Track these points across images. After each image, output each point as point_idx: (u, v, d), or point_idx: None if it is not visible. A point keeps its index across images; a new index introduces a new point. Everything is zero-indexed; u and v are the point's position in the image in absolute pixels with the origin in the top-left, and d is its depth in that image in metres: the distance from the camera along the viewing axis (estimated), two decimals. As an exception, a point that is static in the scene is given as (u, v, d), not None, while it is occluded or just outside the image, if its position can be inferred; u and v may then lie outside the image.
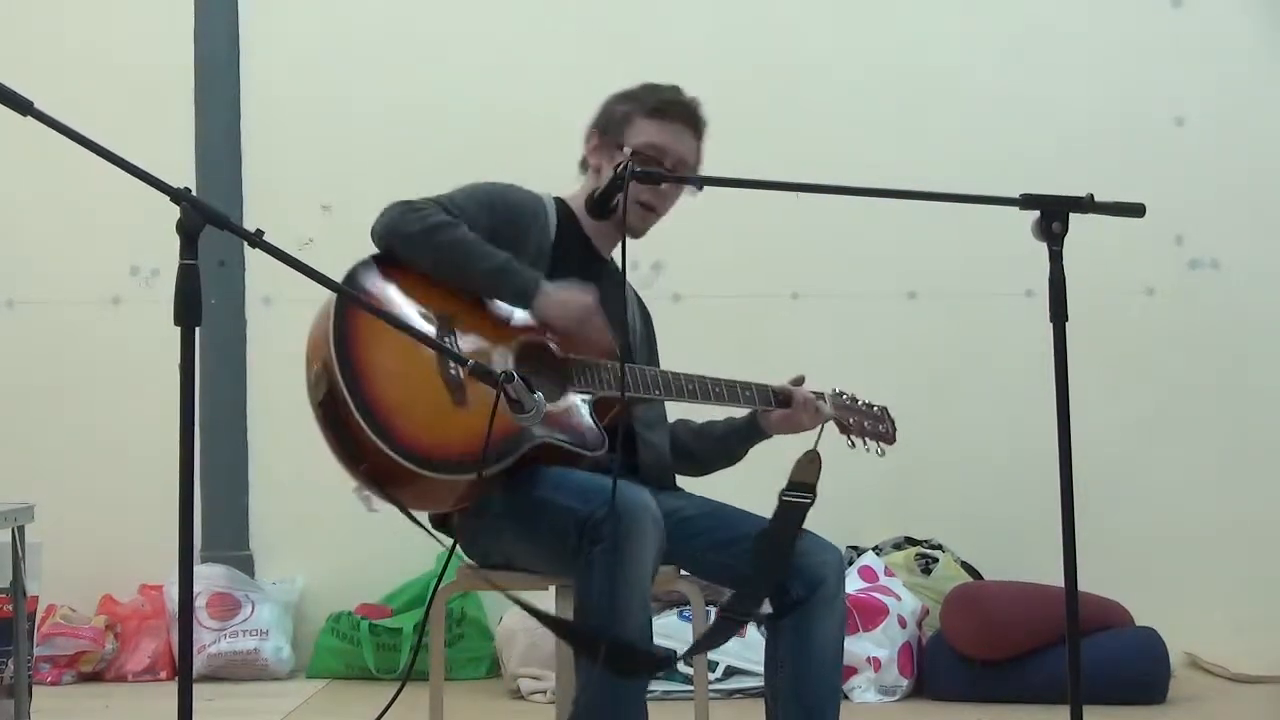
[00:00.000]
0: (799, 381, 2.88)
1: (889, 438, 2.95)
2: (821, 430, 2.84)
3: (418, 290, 2.61)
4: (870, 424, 2.94)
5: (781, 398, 2.84)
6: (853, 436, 2.92)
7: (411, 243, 2.62)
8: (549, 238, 2.81)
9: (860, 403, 2.95)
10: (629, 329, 2.89)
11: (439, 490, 2.52)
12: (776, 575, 2.64)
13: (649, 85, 2.86)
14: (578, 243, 2.85)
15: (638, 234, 2.81)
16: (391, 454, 2.43)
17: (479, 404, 2.36)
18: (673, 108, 2.83)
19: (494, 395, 2.26)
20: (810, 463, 2.75)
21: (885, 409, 2.98)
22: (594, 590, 2.40)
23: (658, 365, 2.98)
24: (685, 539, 2.77)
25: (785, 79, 4.93)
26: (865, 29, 5.12)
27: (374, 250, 2.67)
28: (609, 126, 2.84)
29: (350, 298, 2.45)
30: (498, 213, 2.74)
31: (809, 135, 4.74)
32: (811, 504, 2.71)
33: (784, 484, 2.74)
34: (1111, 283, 4.86)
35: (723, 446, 2.97)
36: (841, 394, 2.93)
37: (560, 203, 2.90)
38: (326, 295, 2.33)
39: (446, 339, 2.58)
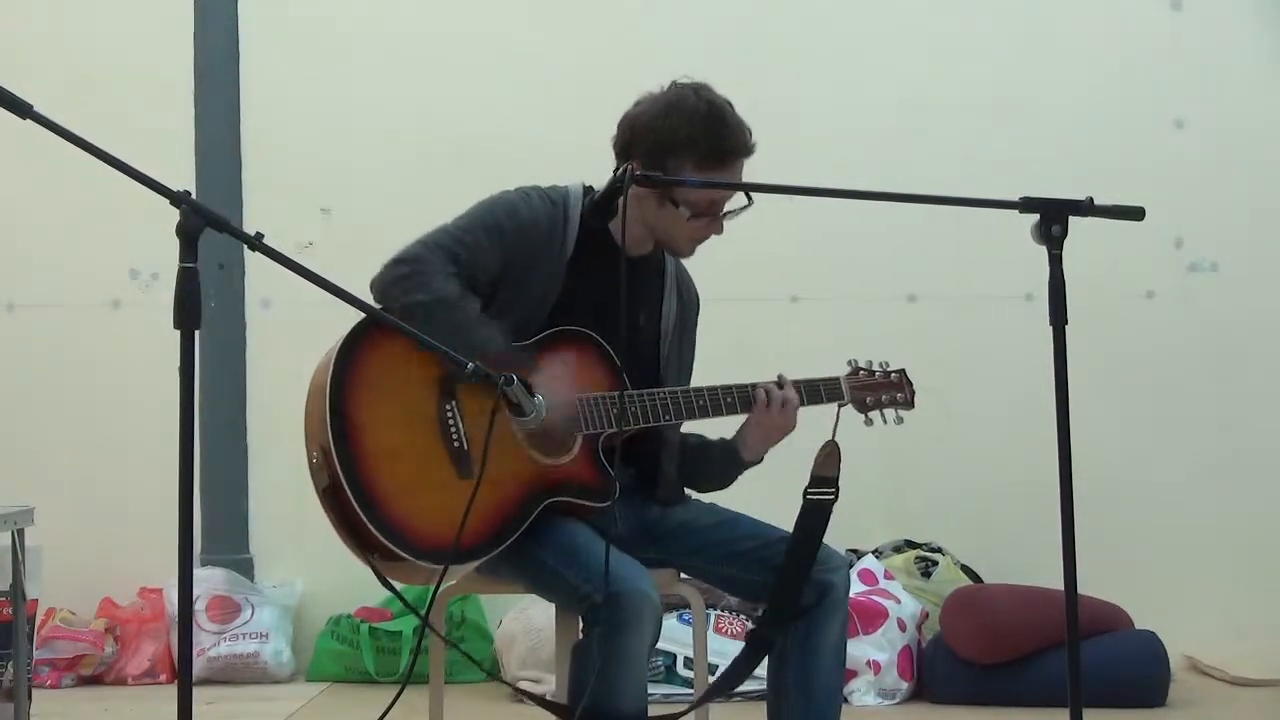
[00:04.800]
0: (780, 384, 2.78)
1: (907, 403, 2.86)
2: (839, 417, 2.78)
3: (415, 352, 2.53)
4: (888, 395, 2.85)
5: (748, 398, 2.75)
6: (869, 414, 2.84)
7: (402, 312, 2.55)
8: (569, 248, 2.72)
9: (877, 374, 2.86)
10: (662, 333, 2.85)
11: (453, 571, 2.55)
12: (804, 582, 2.64)
13: (706, 126, 2.66)
14: (604, 244, 2.71)
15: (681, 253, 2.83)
16: (402, 553, 2.46)
17: (485, 473, 2.37)
18: (738, 155, 2.70)
19: (501, 459, 2.33)
20: (829, 455, 2.72)
21: (903, 372, 2.88)
22: (589, 672, 2.42)
23: (691, 364, 2.94)
24: (696, 551, 2.78)
25: (783, 81, 4.93)
26: (863, 31, 5.12)
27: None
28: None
29: (355, 303, 2.42)
30: (507, 236, 2.68)
31: (807, 138, 4.74)
32: (835, 499, 2.69)
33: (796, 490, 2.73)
34: (1111, 286, 4.86)
35: (714, 470, 2.89)
36: (858, 370, 2.85)
37: (590, 195, 2.76)
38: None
39: (448, 405, 2.56)
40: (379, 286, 2.62)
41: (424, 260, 2.60)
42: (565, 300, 2.70)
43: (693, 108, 2.67)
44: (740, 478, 2.90)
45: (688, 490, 2.92)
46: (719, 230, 2.75)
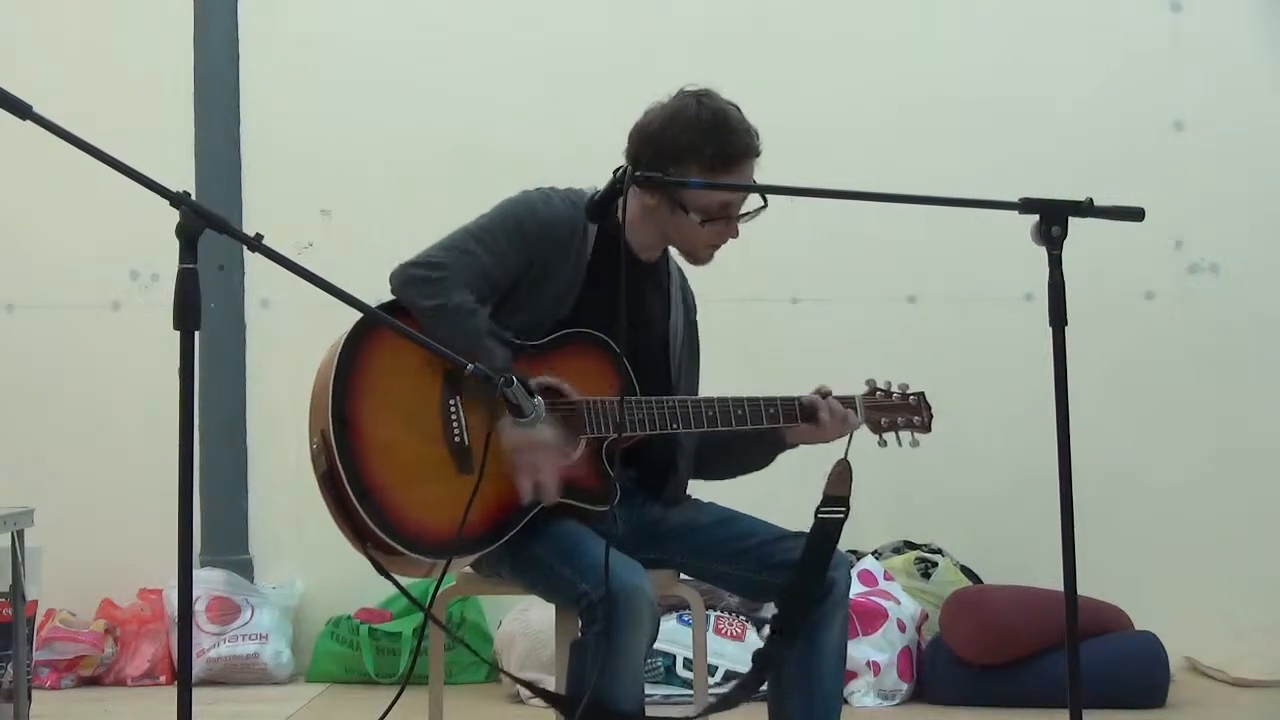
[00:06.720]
0: (824, 393, 2.77)
1: (924, 427, 2.84)
2: (851, 436, 2.75)
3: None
4: (904, 417, 2.83)
5: (808, 412, 2.74)
6: (884, 435, 2.82)
7: (418, 314, 2.58)
8: (587, 249, 2.72)
9: (895, 396, 2.83)
10: (671, 340, 2.85)
11: (447, 564, 2.55)
12: (813, 599, 2.64)
13: (710, 133, 2.65)
14: (618, 249, 2.68)
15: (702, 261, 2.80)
16: (394, 544, 2.48)
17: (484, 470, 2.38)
18: (744, 157, 2.69)
19: (498, 459, 2.35)
20: (841, 474, 2.70)
21: (921, 395, 2.85)
22: (587, 669, 2.43)
23: (698, 371, 2.93)
24: (699, 551, 2.78)
25: (783, 82, 4.92)
26: (864, 31, 5.12)
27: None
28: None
29: (354, 303, 2.42)
30: (528, 236, 2.68)
31: (807, 139, 4.74)
32: (846, 517, 2.68)
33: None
34: (1111, 286, 4.86)
35: (745, 458, 2.88)
36: (875, 390, 2.83)
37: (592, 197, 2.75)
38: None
39: (451, 401, 2.57)
40: (397, 282, 2.63)
41: (445, 267, 2.61)
42: (581, 303, 2.71)
43: (695, 115, 2.67)
44: (744, 487, 2.91)
45: (688, 490, 2.91)
46: (735, 233, 2.73)
